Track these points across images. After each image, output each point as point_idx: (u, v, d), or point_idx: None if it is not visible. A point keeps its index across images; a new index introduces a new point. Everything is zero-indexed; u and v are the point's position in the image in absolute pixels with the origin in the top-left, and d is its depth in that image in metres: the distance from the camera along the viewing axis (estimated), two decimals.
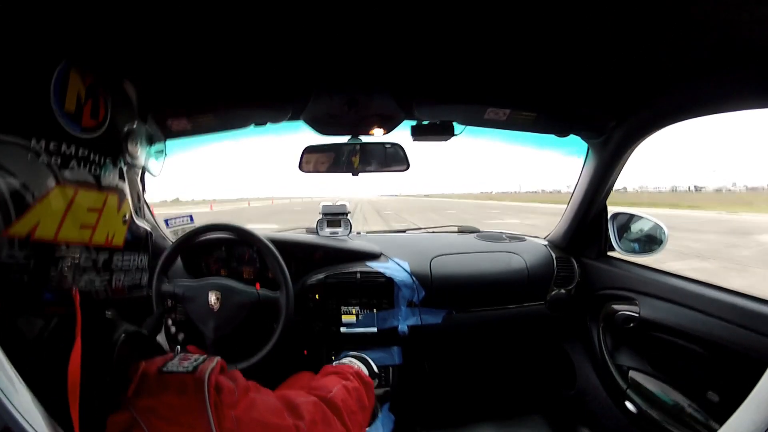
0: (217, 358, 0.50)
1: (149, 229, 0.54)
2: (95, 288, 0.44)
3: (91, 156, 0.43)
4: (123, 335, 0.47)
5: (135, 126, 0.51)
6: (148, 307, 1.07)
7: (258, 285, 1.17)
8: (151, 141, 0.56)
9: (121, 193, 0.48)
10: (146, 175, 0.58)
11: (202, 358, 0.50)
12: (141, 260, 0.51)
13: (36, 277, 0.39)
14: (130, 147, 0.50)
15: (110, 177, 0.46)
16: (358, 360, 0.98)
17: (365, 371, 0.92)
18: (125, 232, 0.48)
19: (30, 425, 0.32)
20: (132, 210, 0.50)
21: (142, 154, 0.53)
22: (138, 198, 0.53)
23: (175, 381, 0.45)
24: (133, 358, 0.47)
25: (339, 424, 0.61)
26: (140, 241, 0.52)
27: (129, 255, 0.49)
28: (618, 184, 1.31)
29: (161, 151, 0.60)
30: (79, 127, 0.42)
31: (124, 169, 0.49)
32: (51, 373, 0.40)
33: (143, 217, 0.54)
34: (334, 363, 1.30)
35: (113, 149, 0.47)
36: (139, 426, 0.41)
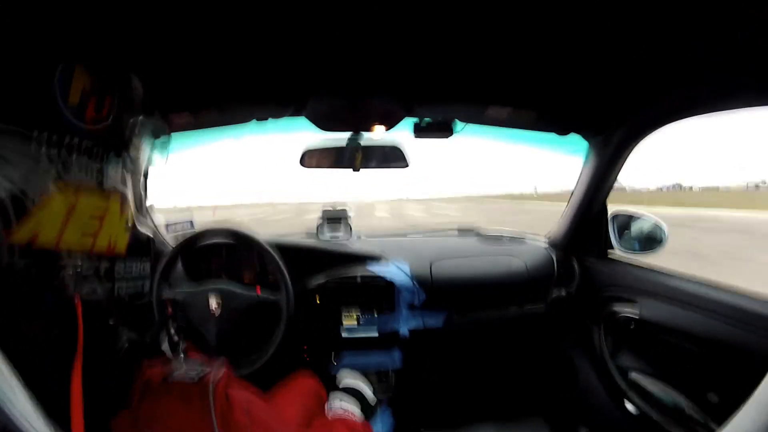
0: (223, 369, 0.50)
1: (151, 234, 0.54)
2: (97, 297, 0.44)
3: (95, 149, 0.43)
4: (126, 344, 0.47)
5: (140, 122, 0.50)
6: (149, 313, 1.07)
7: (258, 288, 1.17)
8: (156, 136, 0.55)
9: (123, 197, 0.47)
10: (149, 179, 0.57)
11: (207, 367, 0.49)
12: (143, 268, 0.51)
13: (38, 285, 0.38)
14: (134, 143, 0.49)
15: (113, 178, 0.45)
16: (353, 396, 0.93)
17: (358, 413, 0.87)
18: (127, 239, 0.48)
19: (31, 426, 0.32)
20: (134, 216, 0.49)
21: (146, 150, 0.52)
22: (140, 201, 0.52)
23: (179, 389, 0.45)
24: (136, 366, 0.47)
25: None
26: (142, 248, 0.51)
27: (131, 262, 0.49)
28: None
29: (166, 147, 0.59)
30: (84, 120, 0.42)
31: (128, 170, 0.48)
32: (53, 380, 0.40)
33: (145, 221, 0.53)
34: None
35: (117, 145, 0.46)
36: None
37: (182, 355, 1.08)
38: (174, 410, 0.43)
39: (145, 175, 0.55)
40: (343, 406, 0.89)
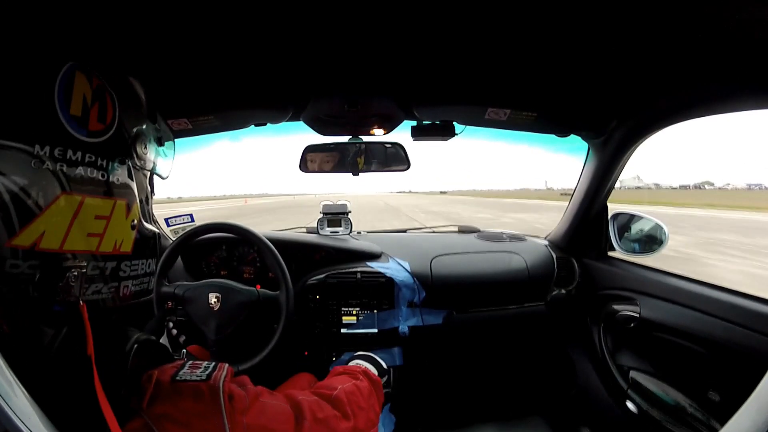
0: (226, 366, 0.50)
1: (157, 231, 0.53)
2: (102, 297, 0.43)
3: (99, 161, 0.42)
4: (135, 345, 0.47)
5: (144, 127, 0.49)
6: (149, 309, 1.07)
7: (258, 285, 1.17)
8: (160, 142, 0.54)
9: (129, 198, 0.46)
10: (154, 177, 0.56)
11: (212, 365, 0.50)
12: (149, 265, 0.50)
13: (42, 289, 0.38)
14: (138, 149, 0.48)
15: (118, 181, 0.45)
16: (366, 360, 0.97)
17: (374, 371, 0.91)
18: (133, 238, 0.47)
19: (29, 430, 0.32)
20: (140, 214, 0.49)
21: (151, 155, 0.51)
22: (146, 201, 0.51)
23: (190, 388, 0.45)
24: (145, 367, 0.47)
25: (343, 420, 0.61)
26: (148, 246, 0.50)
27: (137, 261, 0.48)
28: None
29: (170, 152, 0.57)
30: (86, 132, 0.41)
31: (133, 171, 0.47)
32: (61, 383, 0.39)
33: (151, 220, 0.53)
34: (343, 362, 1.31)
35: (121, 152, 0.45)
36: None
37: (184, 351, 1.08)
38: (185, 406, 0.43)
39: (152, 173, 0.54)
40: (359, 363, 0.92)
